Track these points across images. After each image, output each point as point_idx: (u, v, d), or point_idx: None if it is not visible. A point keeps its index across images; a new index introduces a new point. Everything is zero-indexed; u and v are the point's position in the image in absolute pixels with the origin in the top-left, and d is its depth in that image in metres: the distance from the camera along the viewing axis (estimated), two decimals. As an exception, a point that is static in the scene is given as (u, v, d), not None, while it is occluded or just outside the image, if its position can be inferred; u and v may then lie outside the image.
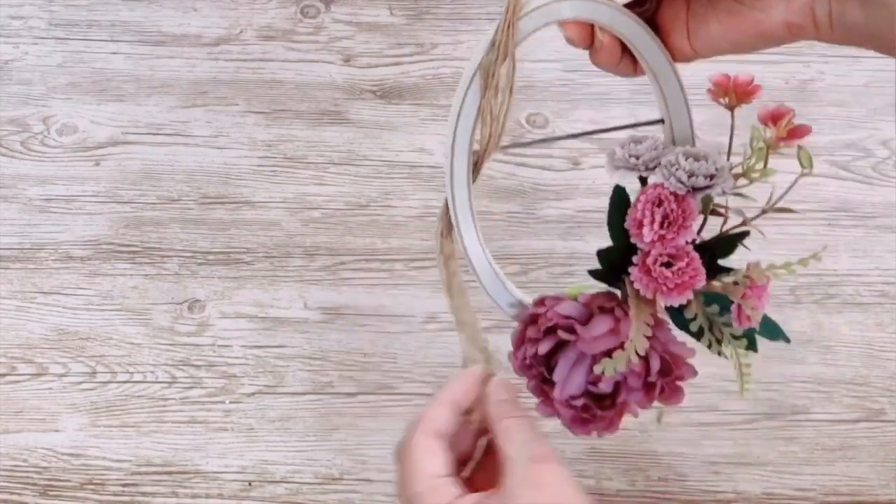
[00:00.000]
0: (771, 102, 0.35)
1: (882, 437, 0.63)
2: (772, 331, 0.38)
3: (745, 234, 0.36)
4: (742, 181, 0.35)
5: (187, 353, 0.66)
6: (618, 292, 0.38)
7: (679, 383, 0.37)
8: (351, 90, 0.75)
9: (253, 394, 0.65)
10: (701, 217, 0.36)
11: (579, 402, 0.37)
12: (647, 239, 0.34)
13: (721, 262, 0.37)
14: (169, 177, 0.71)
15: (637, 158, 0.36)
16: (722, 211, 0.36)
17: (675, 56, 0.36)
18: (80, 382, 0.65)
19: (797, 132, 0.34)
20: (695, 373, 0.37)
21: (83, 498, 0.62)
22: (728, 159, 0.36)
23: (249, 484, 0.62)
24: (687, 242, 0.35)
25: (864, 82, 0.74)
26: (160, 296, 0.67)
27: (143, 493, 0.62)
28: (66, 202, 0.70)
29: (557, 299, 0.38)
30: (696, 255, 0.35)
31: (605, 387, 0.36)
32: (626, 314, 0.36)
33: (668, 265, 0.35)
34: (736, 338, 0.35)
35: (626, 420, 0.38)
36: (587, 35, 0.35)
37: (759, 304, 0.35)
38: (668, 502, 0.61)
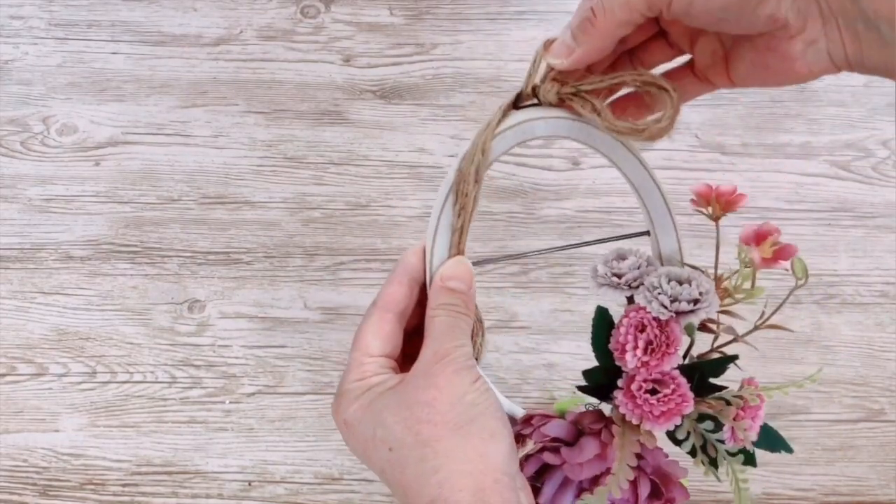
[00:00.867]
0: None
1: (882, 437, 0.64)
2: (772, 441, 0.35)
3: (735, 357, 0.34)
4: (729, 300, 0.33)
5: (187, 353, 0.66)
6: (608, 407, 0.36)
7: None
8: (351, 90, 0.75)
9: (253, 394, 0.65)
10: (688, 340, 0.34)
11: None
12: (631, 365, 0.32)
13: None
14: (169, 177, 0.71)
15: (619, 277, 0.34)
16: (713, 327, 0.34)
17: (714, 84, 0.35)
18: (80, 382, 0.65)
19: (783, 253, 0.32)
20: (687, 495, 0.35)
21: (83, 498, 0.62)
22: (715, 276, 0.34)
23: (249, 484, 0.62)
24: (673, 368, 0.32)
25: (863, 82, 0.74)
26: (160, 296, 0.67)
27: (143, 493, 0.62)
28: (66, 202, 0.70)
29: (546, 417, 0.36)
30: (683, 380, 0.32)
31: None
32: (614, 437, 0.33)
33: (653, 392, 0.32)
34: (732, 455, 0.33)
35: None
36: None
37: (752, 425, 0.33)
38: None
